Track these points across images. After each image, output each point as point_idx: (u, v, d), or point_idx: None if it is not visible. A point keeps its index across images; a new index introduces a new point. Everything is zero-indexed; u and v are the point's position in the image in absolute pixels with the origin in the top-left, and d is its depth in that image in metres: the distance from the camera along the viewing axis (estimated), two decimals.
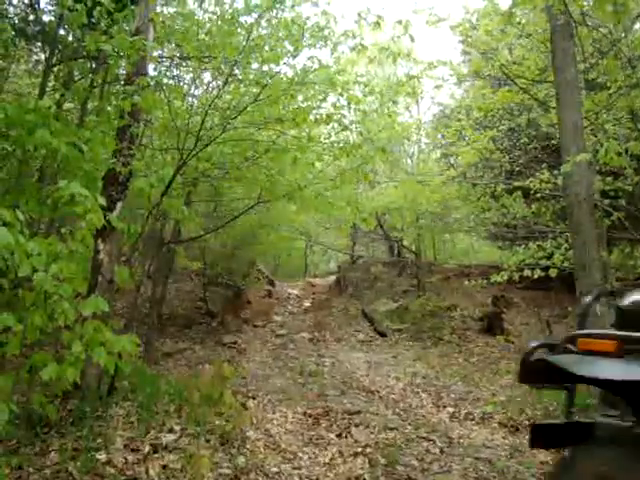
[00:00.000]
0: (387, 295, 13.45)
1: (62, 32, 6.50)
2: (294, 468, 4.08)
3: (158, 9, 6.28)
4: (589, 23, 6.15)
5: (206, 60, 6.17)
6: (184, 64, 7.02)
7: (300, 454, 4.39)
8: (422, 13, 8.04)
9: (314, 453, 4.44)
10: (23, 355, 3.55)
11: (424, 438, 4.92)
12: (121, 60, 5.20)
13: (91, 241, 3.51)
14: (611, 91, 6.44)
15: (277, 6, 5.87)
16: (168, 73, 7.01)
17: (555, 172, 7.69)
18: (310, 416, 5.45)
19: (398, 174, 13.30)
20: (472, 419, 5.75)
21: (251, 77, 6.18)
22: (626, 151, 5.63)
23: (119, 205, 4.73)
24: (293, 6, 6.12)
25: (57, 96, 6.15)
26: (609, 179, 7.00)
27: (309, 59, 6.14)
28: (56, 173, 4.79)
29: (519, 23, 7.60)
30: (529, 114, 9.43)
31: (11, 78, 8.23)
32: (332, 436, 4.89)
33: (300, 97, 6.46)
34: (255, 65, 6.17)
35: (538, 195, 8.42)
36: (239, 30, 5.76)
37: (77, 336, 3.12)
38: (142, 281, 6.78)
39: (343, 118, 6.72)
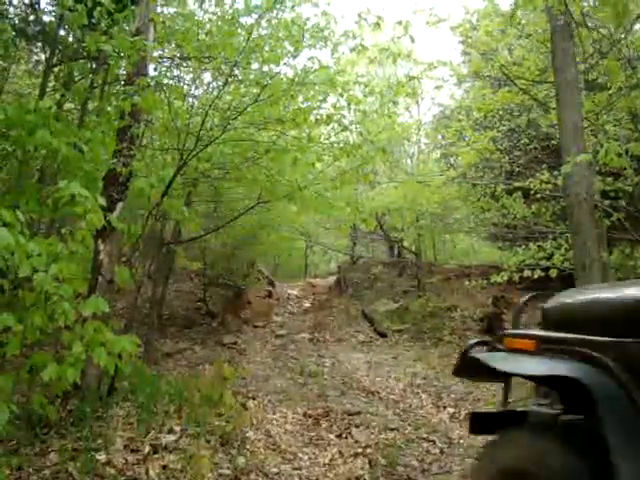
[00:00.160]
0: (387, 295, 13.45)
1: (62, 32, 6.50)
2: (294, 469, 4.08)
3: (158, 9, 6.28)
4: (589, 24, 6.14)
5: (206, 60, 6.17)
6: (184, 64, 7.02)
7: (300, 454, 4.39)
8: (422, 14, 8.06)
9: (314, 454, 4.44)
10: (23, 355, 3.55)
11: (424, 439, 4.92)
12: (121, 60, 5.20)
13: (91, 241, 3.50)
14: (611, 92, 6.45)
15: (277, 7, 5.88)
16: (168, 73, 7.02)
17: (555, 173, 7.69)
18: (310, 417, 5.45)
19: (398, 174, 13.29)
20: None
21: (251, 77, 6.19)
22: (626, 152, 5.63)
23: (119, 205, 4.73)
24: (293, 7, 6.14)
25: (57, 96, 6.15)
26: (609, 180, 7.00)
27: (309, 60, 6.15)
28: (56, 173, 4.79)
29: (519, 23, 7.60)
30: (529, 115, 9.43)
31: (11, 78, 8.23)
32: (332, 437, 4.89)
33: (300, 98, 6.46)
34: (255, 65, 6.17)
35: (538, 196, 8.42)
36: (239, 31, 5.76)
37: (77, 336, 3.12)
38: (142, 281, 6.78)
39: (343, 119, 6.73)
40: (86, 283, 4.05)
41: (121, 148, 4.80)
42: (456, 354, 9.26)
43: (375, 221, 14.21)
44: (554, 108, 6.83)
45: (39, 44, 7.16)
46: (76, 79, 6.74)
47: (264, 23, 5.95)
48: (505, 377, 2.53)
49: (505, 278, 7.94)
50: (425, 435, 5.03)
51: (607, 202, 7.04)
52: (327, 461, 4.28)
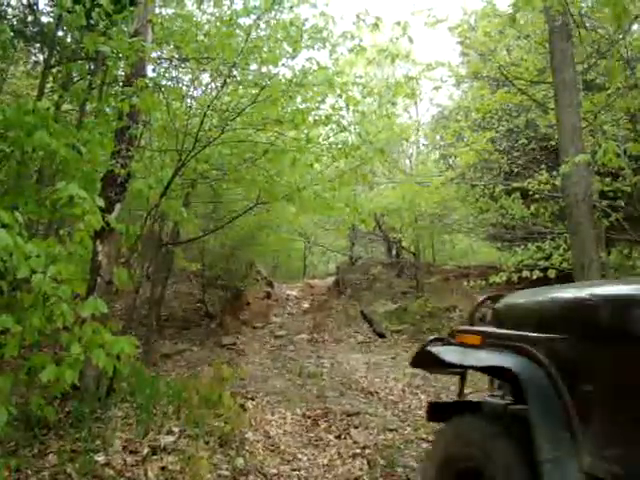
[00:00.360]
0: (386, 296, 13.45)
1: (61, 33, 6.49)
2: (293, 469, 4.08)
3: (157, 10, 6.28)
4: (587, 24, 6.16)
5: (205, 61, 6.17)
6: (183, 65, 7.01)
7: (299, 455, 4.39)
8: (420, 14, 8.07)
9: (313, 454, 4.44)
10: (22, 357, 3.54)
11: (423, 439, 4.90)
12: (120, 61, 5.20)
13: (90, 243, 3.49)
14: (609, 92, 6.46)
15: (275, 8, 5.88)
16: (167, 74, 7.01)
17: (554, 173, 7.69)
18: (309, 417, 5.45)
19: (397, 175, 13.30)
20: None
21: (250, 78, 6.20)
22: (624, 152, 5.65)
23: (118, 206, 4.73)
24: (292, 7, 6.13)
25: (56, 97, 6.14)
26: (608, 180, 7.00)
27: (308, 60, 6.16)
28: (55, 174, 4.79)
29: (517, 23, 7.61)
30: (527, 115, 9.44)
31: (9, 79, 8.23)
32: (331, 437, 4.88)
33: (299, 98, 6.47)
34: (254, 66, 6.19)
35: (537, 196, 8.43)
36: (238, 32, 5.76)
37: (76, 338, 3.11)
38: (141, 282, 6.78)
39: (342, 119, 6.74)
40: (85, 284, 4.04)
41: (119, 149, 4.79)
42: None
43: (374, 222, 14.24)
44: (552, 108, 6.84)
45: (37, 45, 7.15)
46: (74, 80, 6.73)
47: (262, 24, 5.95)
48: (458, 369, 2.85)
49: (504, 278, 7.94)
50: (424, 436, 5.01)
51: (605, 202, 7.05)
52: (326, 462, 4.28)
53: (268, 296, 14.12)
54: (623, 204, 7.07)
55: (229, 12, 6.24)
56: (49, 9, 6.91)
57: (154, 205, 5.48)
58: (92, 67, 6.27)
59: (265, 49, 5.91)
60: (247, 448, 4.25)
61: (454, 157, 11.84)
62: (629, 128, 6.98)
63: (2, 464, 3.10)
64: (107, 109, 5.33)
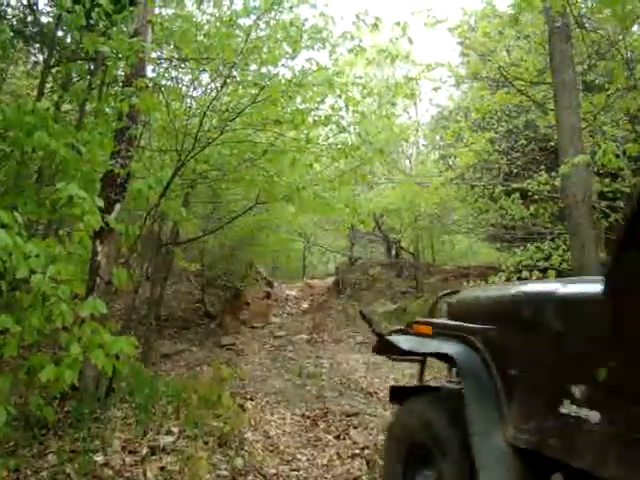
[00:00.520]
0: (385, 296, 13.45)
1: (60, 33, 6.48)
2: (292, 470, 4.08)
3: (156, 11, 6.27)
4: (587, 25, 6.16)
5: (204, 62, 6.16)
6: (182, 66, 7.00)
7: (298, 456, 4.39)
8: (420, 15, 8.07)
9: (312, 455, 4.44)
10: (21, 357, 3.54)
11: None
12: (119, 62, 5.18)
13: (89, 243, 3.49)
14: (609, 93, 6.46)
15: (275, 8, 5.87)
16: (166, 75, 6.99)
17: (553, 174, 7.70)
18: (308, 418, 5.45)
19: (396, 175, 13.30)
20: None
21: (249, 79, 6.19)
22: (624, 153, 5.64)
23: (117, 207, 4.73)
24: (291, 8, 6.13)
25: (55, 97, 6.14)
26: (607, 181, 7.01)
27: (307, 61, 6.17)
28: (54, 175, 4.78)
29: (517, 23, 7.61)
30: (527, 116, 9.45)
31: (9, 79, 8.22)
32: (330, 437, 4.89)
33: (298, 99, 6.48)
34: (253, 67, 6.19)
35: (536, 197, 8.43)
36: (237, 32, 5.76)
37: (75, 338, 3.11)
38: (140, 283, 6.78)
39: (341, 120, 6.74)
40: (84, 284, 4.05)
41: (119, 149, 4.79)
42: None
43: (373, 222, 14.24)
44: (552, 109, 6.85)
45: (37, 45, 7.13)
46: (74, 80, 6.72)
47: (262, 24, 5.95)
48: (413, 356, 3.24)
49: (503, 279, 7.94)
50: None
51: (605, 203, 7.05)
52: (325, 462, 4.28)
53: (267, 296, 14.12)
54: (622, 205, 7.07)
55: (229, 12, 6.24)
56: (49, 9, 6.91)
57: (154, 205, 5.48)
58: (92, 67, 6.26)
59: (265, 49, 5.92)
60: (246, 448, 4.25)
61: (454, 157, 11.84)
62: (629, 129, 6.98)
63: (1, 464, 3.10)
64: (107, 109, 5.33)
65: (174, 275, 11.67)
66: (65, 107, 6.68)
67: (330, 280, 16.37)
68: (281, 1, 5.86)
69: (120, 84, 5.70)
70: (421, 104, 15.06)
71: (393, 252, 16.47)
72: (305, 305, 14.15)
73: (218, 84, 6.29)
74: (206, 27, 6.24)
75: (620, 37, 6.02)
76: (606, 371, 1.96)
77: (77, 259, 3.33)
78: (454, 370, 3.16)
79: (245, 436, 4.49)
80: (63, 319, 2.96)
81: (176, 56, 6.79)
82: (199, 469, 3.57)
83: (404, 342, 3.03)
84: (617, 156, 5.16)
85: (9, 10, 6.88)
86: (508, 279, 7.89)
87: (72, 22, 4.55)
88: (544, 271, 7.45)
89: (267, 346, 10.08)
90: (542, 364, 2.27)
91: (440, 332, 2.90)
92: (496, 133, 9.83)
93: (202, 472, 3.56)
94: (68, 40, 6.52)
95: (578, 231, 5.65)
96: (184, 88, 7.12)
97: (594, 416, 2.00)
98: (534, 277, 7.57)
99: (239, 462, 3.93)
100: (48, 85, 6.64)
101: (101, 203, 3.35)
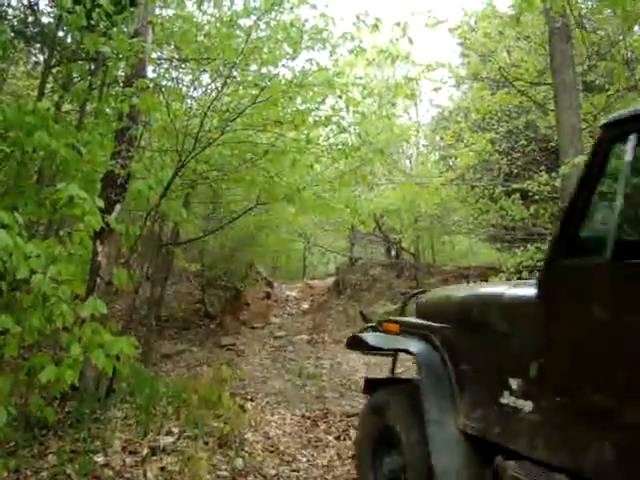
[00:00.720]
0: (386, 297, 13.43)
1: (61, 34, 6.48)
2: (292, 470, 4.08)
3: (157, 11, 6.28)
4: (587, 26, 6.16)
5: (205, 62, 6.16)
6: (183, 66, 7.00)
7: (298, 456, 4.39)
8: (421, 15, 8.09)
9: (312, 455, 4.44)
10: (21, 357, 3.54)
11: None
12: (120, 62, 5.18)
13: (89, 243, 3.50)
14: (609, 93, 6.46)
15: (276, 9, 5.87)
16: (167, 75, 6.99)
17: (553, 174, 7.70)
18: (308, 418, 5.45)
19: (397, 176, 13.30)
20: None
21: (250, 79, 6.19)
22: None
23: (118, 207, 4.72)
24: (292, 8, 6.13)
25: (56, 98, 6.14)
26: (607, 181, 6.99)
27: (308, 61, 6.16)
28: (55, 175, 4.78)
29: (518, 25, 7.62)
30: (527, 116, 9.45)
31: (10, 79, 8.22)
32: (330, 438, 4.89)
33: (299, 99, 6.47)
34: (254, 67, 6.18)
35: (536, 197, 8.43)
36: (238, 32, 5.76)
37: (75, 338, 3.11)
38: (141, 283, 6.78)
39: (342, 120, 6.74)
40: (84, 285, 4.05)
41: (120, 150, 4.79)
42: None
43: (373, 222, 14.23)
44: (552, 110, 6.85)
45: (38, 45, 7.13)
46: (75, 80, 6.72)
47: (262, 25, 5.94)
48: (384, 351, 3.49)
49: (503, 279, 7.93)
50: None
51: (605, 203, 7.04)
52: (325, 463, 4.28)
53: (268, 297, 14.11)
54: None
55: (229, 13, 6.24)
56: (49, 9, 6.90)
57: (154, 206, 5.48)
58: (92, 68, 6.26)
59: (265, 50, 5.91)
60: (246, 449, 4.25)
61: (454, 158, 11.84)
62: None
63: (2, 464, 3.10)
64: (107, 110, 5.33)
65: (174, 275, 11.66)
66: (66, 107, 6.68)
67: (330, 280, 16.35)
68: (281, 2, 5.85)
69: (121, 84, 5.70)
70: (421, 105, 15.08)
71: (393, 253, 16.45)
72: (305, 305, 14.14)
73: (218, 84, 6.29)
74: (206, 27, 6.24)
75: (620, 37, 6.02)
76: (537, 367, 2.20)
77: (77, 259, 3.33)
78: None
79: (245, 437, 4.49)
80: (63, 319, 2.96)
81: (176, 56, 6.79)
82: (199, 470, 3.57)
83: (372, 339, 3.30)
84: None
85: (10, 10, 6.89)
86: (508, 279, 7.90)
87: (73, 22, 4.54)
88: None
89: (267, 346, 10.08)
90: (487, 360, 2.56)
91: (406, 330, 3.17)
92: (496, 134, 9.84)
93: (202, 473, 3.56)
94: (69, 40, 6.52)
95: None
96: (184, 88, 7.12)
97: (527, 406, 2.26)
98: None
99: (239, 463, 3.93)
100: (49, 85, 6.64)
101: (101, 203, 3.36)
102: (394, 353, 3.52)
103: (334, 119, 6.59)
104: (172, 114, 6.01)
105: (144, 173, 6.05)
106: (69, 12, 4.52)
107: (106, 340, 3.15)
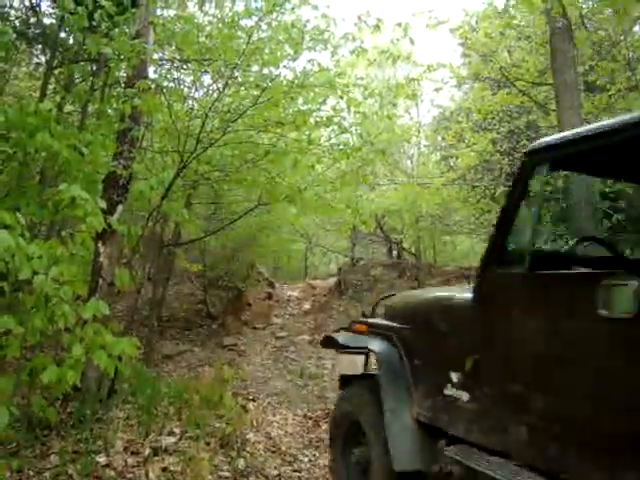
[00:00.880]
0: None
1: (63, 35, 6.49)
2: (294, 471, 4.09)
3: (158, 12, 6.29)
4: (588, 26, 6.16)
5: (206, 63, 6.17)
6: (184, 67, 7.02)
7: (300, 456, 4.39)
8: (422, 16, 8.10)
9: (314, 455, 4.45)
10: (24, 358, 3.55)
11: None
12: (122, 63, 5.20)
13: (91, 244, 3.51)
14: (611, 93, 6.46)
15: (277, 9, 5.88)
16: (168, 76, 7.00)
17: None
18: (310, 418, 5.46)
19: (398, 176, 13.30)
20: None
21: (251, 80, 6.19)
22: None
23: (119, 208, 4.73)
24: (293, 9, 6.14)
25: (58, 99, 6.15)
26: (609, 181, 7.00)
27: (309, 62, 6.16)
28: (57, 176, 4.79)
29: (518, 25, 7.62)
30: (529, 116, 9.45)
31: (12, 81, 8.24)
32: None
33: (300, 100, 6.47)
34: (255, 68, 6.18)
35: None
36: (239, 33, 5.77)
37: (77, 339, 3.12)
38: (142, 283, 6.79)
39: (343, 121, 6.74)
40: (86, 285, 4.05)
41: (121, 150, 4.80)
42: None
43: (375, 223, 14.22)
44: (554, 110, 6.85)
45: (40, 46, 7.15)
46: (76, 81, 6.73)
47: (264, 26, 5.95)
48: (354, 349, 3.61)
49: None
50: None
51: (607, 203, 7.04)
52: (327, 463, 4.28)
53: (269, 297, 14.10)
54: (624, 205, 7.07)
55: (231, 14, 6.25)
56: (51, 11, 6.92)
57: (156, 206, 5.49)
58: (94, 69, 6.28)
59: (267, 51, 5.92)
60: (248, 449, 4.26)
61: (455, 158, 11.85)
62: None
63: (4, 465, 3.11)
64: (109, 110, 5.33)
65: (176, 276, 11.67)
66: (67, 108, 6.69)
67: (332, 281, 16.34)
68: (283, 3, 5.86)
69: (122, 85, 5.71)
70: (423, 105, 15.11)
71: (395, 253, 16.44)
72: (307, 306, 14.13)
73: (220, 85, 6.30)
74: (208, 28, 6.25)
75: (621, 37, 6.02)
76: (472, 362, 2.54)
77: (79, 260, 3.34)
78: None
79: (247, 437, 4.50)
80: (65, 320, 2.97)
81: (178, 57, 6.80)
82: (201, 470, 3.58)
83: (342, 338, 3.66)
84: None
85: (12, 12, 6.91)
86: None
87: (74, 24, 4.55)
88: None
89: (269, 347, 10.08)
90: (435, 356, 2.91)
91: (373, 330, 3.48)
92: (498, 134, 9.84)
93: (204, 473, 3.57)
94: (70, 41, 6.53)
95: (580, 232, 5.65)
96: (186, 89, 7.14)
97: (464, 396, 2.60)
98: None
99: (241, 463, 3.94)
100: (50, 86, 6.66)
101: (103, 204, 3.36)
102: (366, 351, 3.71)
103: (335, 119, 6.59)
104: (174, 115, 6.02)
105: (146, 174, 6.07)
106: (71, 13, 4.53)
107: (108, 341, 3.16)
